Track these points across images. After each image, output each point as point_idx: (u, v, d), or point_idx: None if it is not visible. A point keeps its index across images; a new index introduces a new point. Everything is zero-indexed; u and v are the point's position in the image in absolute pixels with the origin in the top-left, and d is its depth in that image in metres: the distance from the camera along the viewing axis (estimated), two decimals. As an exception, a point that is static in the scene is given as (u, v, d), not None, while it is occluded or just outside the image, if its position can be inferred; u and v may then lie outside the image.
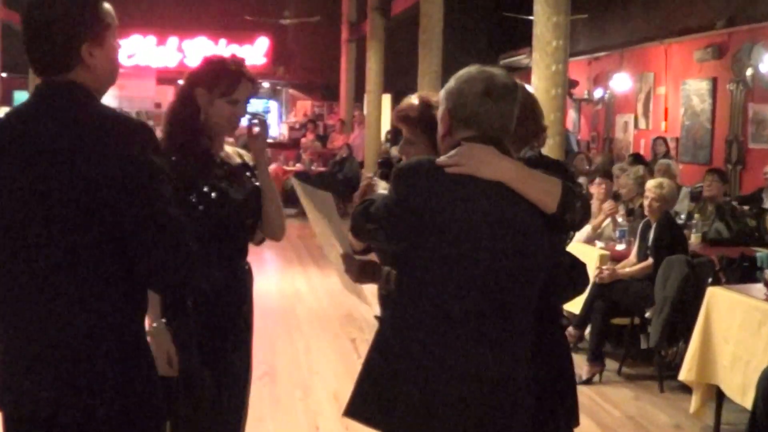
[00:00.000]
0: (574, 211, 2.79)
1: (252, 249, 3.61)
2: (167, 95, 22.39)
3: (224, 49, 22.19)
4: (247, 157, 3.56)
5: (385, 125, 18.93)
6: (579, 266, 3.22)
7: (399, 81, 18.08)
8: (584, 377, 6.98)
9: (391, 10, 17.78)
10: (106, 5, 2.56)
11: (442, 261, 2.71)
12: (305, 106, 23.96)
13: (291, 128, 22.97)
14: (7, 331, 2.52)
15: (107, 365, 2.46)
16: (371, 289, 3.36)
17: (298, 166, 18.95)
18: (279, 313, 9.33)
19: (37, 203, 2.42)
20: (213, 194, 3.30)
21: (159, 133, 2.93)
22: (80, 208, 2.39)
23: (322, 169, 18.92)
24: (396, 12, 17.50)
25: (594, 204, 8.30)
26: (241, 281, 3.51)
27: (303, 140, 20.50)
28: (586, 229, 8.04)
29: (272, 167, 18.67)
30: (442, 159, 2.75)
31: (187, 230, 2.50)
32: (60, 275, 2.44)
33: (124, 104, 22.11)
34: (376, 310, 3.23)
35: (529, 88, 8.86)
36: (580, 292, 3.29)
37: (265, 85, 24.02)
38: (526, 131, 3.24)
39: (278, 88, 24.28)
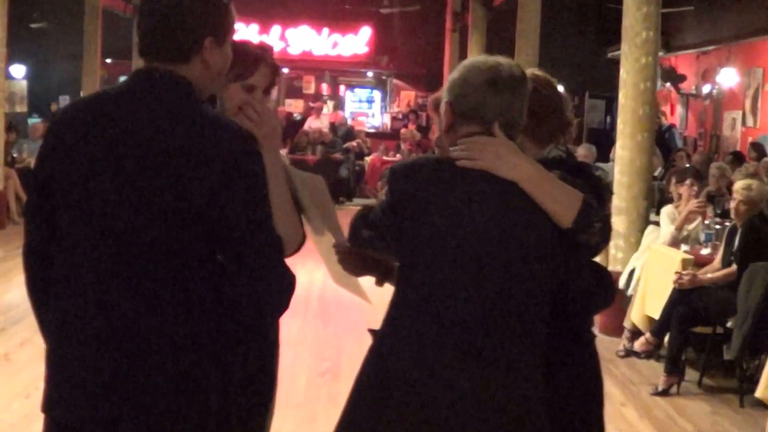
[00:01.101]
0: (590, 232, 2.54)
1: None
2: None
3: (326, 38, 22.24)
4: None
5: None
6: (603, 276, 2.94)
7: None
8: (661, 388, 6.65)
9: (494, 0, 17.47)
10: (233, 9, 2.46)
11: (441, 268, 2.48)
12: (409, 96, 23.80)
13: (393, 118, 22.87)
14: (68, 330, 2.31)
15: (183, 379, 2.25)
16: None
17: (398, 157, 18.82)
18: (352, 308, 9.13)
19: (123, 197, 2.24)
20: None
21: None
22: (173, 209, 2.21)
23: (420, 160, 18.70)
24: (498, 2, 17.19)
25: (681, 206, 7.89)
26: None
27: (403, 131, 20.37)
28: (670, 231, 7.65)
29: (371, 157, 18.60)
30: (454, 150, 2.52)
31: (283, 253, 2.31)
32: (143, 276, 2.24)
33: (227, 90, 22.27)
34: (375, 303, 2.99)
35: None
36: (606, 305, 3.01)
37: (369, 74, 23.95)
38: (550, 127, 2.98)
39: (383, 78, 24.17)
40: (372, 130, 22.09)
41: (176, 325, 2.24)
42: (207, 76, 2.38)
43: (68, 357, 2.30)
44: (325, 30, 22.27)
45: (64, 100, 17.01)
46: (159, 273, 2.24)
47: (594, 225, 2.53)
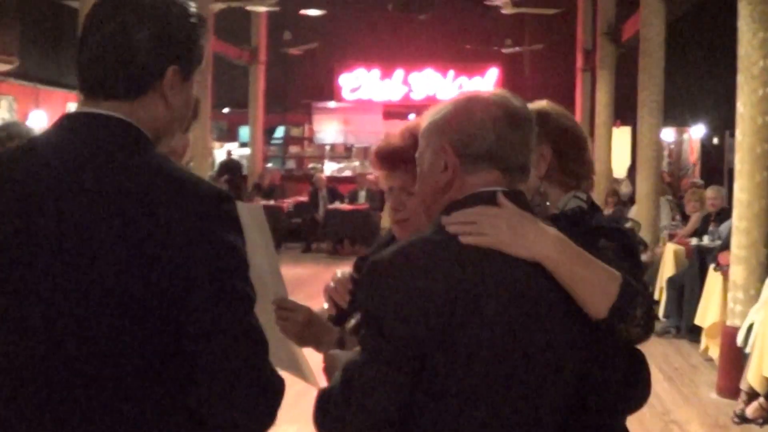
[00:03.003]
0: (631, 322, 1.97)
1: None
2: (395, 130, 22.20)
3: (452, 81, 21.74)
4: None
5: (620, 160, 17.93)
6: (638, 368, 2.30)
7: (633, 113, 16.99)
8: (777, 461, 5.84)
9: (622, 36, 16.67)
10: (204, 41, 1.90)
11: (460, 398, 1.84)
12: (541, 140, 23.15)
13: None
14: None
15: None
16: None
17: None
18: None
19: (42, 293, 1.70)
20: None
21: None
22: (112, 303, 1.67)
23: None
24: (626, 37, 16.39)
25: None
26: None
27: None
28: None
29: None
30: (450, 222, 1.89)
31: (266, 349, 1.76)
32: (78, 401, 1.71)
33: (350, 139, 22.05)
34: None
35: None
36: (639, 405, 2.34)
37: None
38: (576, 168, 2.43)
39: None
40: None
41: None
42: (164, 118, 1.83)
43: None
44: (451, 72, 21.75)
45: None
46: (99, 396, 1.70)
47: (636, 312, 1.96)
